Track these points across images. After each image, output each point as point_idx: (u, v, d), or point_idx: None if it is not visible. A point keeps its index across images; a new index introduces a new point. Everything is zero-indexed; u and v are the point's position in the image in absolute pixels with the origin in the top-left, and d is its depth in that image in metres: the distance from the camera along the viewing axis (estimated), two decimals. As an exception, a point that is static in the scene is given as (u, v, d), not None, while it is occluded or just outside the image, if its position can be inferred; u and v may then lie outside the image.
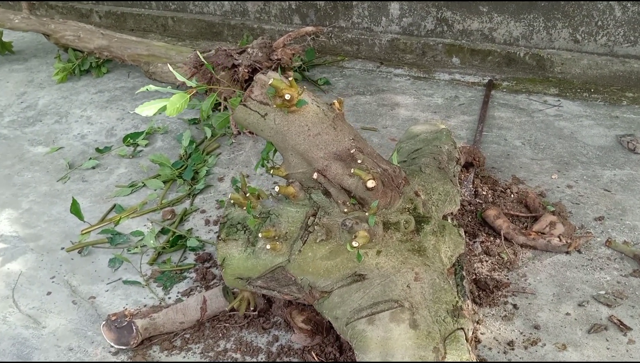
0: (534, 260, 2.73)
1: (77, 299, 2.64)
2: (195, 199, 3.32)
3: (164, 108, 2.04)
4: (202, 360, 2.29)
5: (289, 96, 1.87)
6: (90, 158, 3.77)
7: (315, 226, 1.98)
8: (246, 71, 3.95)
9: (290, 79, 1.91)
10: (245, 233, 2.03)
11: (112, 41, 4.73)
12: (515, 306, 2.49)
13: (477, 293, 2.52)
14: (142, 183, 3.47)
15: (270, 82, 1.88)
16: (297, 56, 4.37)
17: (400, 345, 1.71)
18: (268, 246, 1.92)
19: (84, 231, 3.07)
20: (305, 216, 2.02)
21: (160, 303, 2.58)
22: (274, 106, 1.90)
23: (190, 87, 2.04)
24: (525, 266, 2.70)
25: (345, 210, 1.96)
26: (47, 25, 4.87)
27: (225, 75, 4.05)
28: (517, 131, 3.85)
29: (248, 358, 2.29)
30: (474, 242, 2.83)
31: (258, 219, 2.02)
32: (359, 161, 1.92)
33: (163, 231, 3.05)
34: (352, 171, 1.90)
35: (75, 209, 3.00)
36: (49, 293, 2.68)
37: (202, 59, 2.43)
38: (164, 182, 3.44)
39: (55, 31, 4.86)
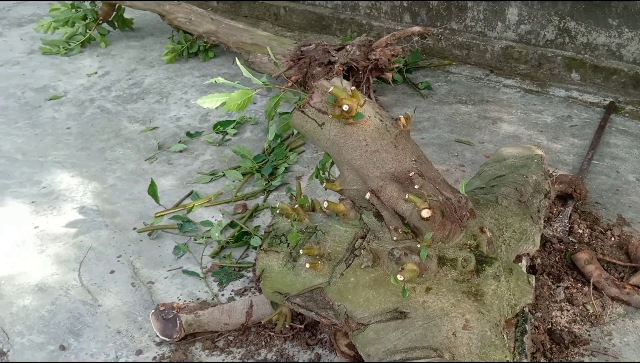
0: (624, 318, 2.39)
1: (137, 282, 2.66)
2: (269, 196, 3.25)
3: (225, 103, 1.97)
4: (240, 368, 2.21)
5: (347, 107, 1.72)
6: (180, 141, 3.83)
7: (362, 250, 1.82)
8: (341, 68, 3.82)
9: (352, 88, 1.76)
10: (288, 246, 1.92)
11: (220, 27, 4.78)
12: (591, 367, 2.18)
13: (548, 346, 2.24)
14: (222, 172, 3.46)
15: (330, 90, 1.74)
16: (399, 57, 4.17)
17: (430, 401, 1.52)
18: (307, 265, 1.79)
19: (157, 214, 3.10)
20: (353, 238, 1.87)
21: (212, 299, 2.54)
22: (331, 116, 1.75)
23: (280, 81, 1.94)
24: (613, 324, 2.37)
25: (395, 238, 1.78)
26: (162, 6, 5.02)
27: (320, 71, 3.94)
28: (633, 163, 3.42)
29: (285, 374, 2.19)
30: (557, 287, 2.52)
31: (302, 234, 1.89)
32: (417, 186, 1.73)
33: (231, 225, 3.01)
34: (407, 196, 1.72)
35: (152, 191, 3.05)
36: (112, 272, 2.72)
37: (272, 55, 2.32)
38: (243, 174, 3.41)
39: (169, 12, 5.00)
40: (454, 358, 1.60)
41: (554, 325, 2.34)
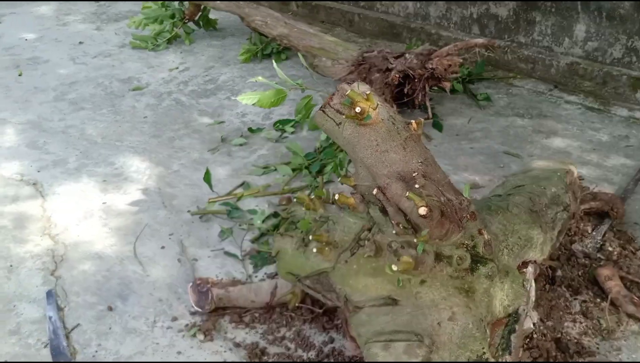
0: (637, 335, 2.41)
1: (183, 258, 2.95)
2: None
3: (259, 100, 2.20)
4: (260, 341, 2.43)
5: (360, 109, 1.90)
6: (242, 136, 4.12)
7: (367, 241, 1.99)
8: (397, 76, 3.98)
9: (368, 92, 1.94)
10: (302, 232, 2.12)
11: (292, 31, 5.04)
12: (592, 379, 2.24)
13: (553, 353, 2.31)
14: (274, 167, 3.70)
15: (347, 93, 1.92)
16: (458, 68, 4.26)
17: (404, 379, 1.67)
18: (314, 250, 1.98)
19: (210, 200, 3.39)
20: (360, 229, 2.04)
21: (246, 279, 2.78)
22: (345, 116, 1.94)
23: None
24: (625, 340, 2.40)
25: (395, 231, 1.94)
26: (242, 9, 5.35)
27: (379, 77, 4.12)
28: (683, 187, 3.35)
29: (300, 351, 2.39)
30: (574, 299, 2.57)
31: (315, 222, 2.09)
32: (417, 186, 1.88)
33: (274, 215, 3.24)
34: (407, 194, 1.87)
35: (207, 179, 3.35)
36: (162, 247, 3.03)
37: (304, 64, 2.52)
38: (293, 170, 3.64)
39: (248, 15, 5.32)
40: (433, 344, 1.75)
41: (564, 335, 2.40)
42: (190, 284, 2.62)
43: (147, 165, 3.82)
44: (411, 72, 4.01)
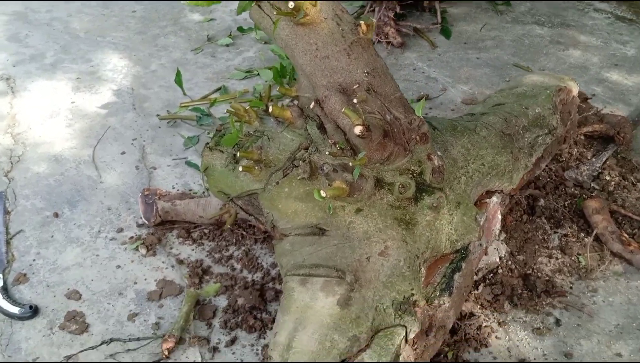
0: (619, 277, 2.16)
1: (141, 166, 2.77)
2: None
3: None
4: (205, 259, 2.28)
5: (293, 5, 1.60)
6: (229, 35, 3.82)
7: (301, 162, 1.75)
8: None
9: (309, -16, 1.62)
10: (234, 147, 1.88)
11: None
12: (558, 322, 2.02)
13: (518, 291, 2.09)
14: (257, 71, 3.42)
15: (282, -15, 1.62)
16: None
17: (317, 319, 1.48)
18: (240, 168, 1.75)
19: (182, 105, 3.16)
20: (297, 148, 1.80)
21: (203, 192, 2.60)
22: (275, 12, 1.64)
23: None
24: (604, 281, 2.16)
25: (328, 152, 1.68)
26: None
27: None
28: None
29: (245, 273, 2.23)
30: (554, 232, 2.31)
31: (248, 137, 1.84)
32: (356, 101, 1.61)
33: (246, 123, 3.00)
34: (342, 109, 1.61)
35: (178, 80, 3.10)
36: (123, 153, 2.85)
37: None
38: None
39: None
40: (356, 282, 1.54)
41: (535, 271, 2.17)
42: (140, 193, 2.45)
43: (125, 63, 3.58)
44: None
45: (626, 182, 2.52)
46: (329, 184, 1.63)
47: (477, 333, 1.96)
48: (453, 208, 1.72)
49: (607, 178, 2.53)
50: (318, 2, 1.64)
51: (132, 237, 2.38)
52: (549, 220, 2.35)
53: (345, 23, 1.71)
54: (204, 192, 2.60)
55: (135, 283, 2.20)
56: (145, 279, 2.22)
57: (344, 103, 1.65)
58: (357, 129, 1.58)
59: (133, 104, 3.21)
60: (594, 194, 2.44)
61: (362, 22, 1.72)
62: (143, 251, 2.31)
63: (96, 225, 2.45)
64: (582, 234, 2.30)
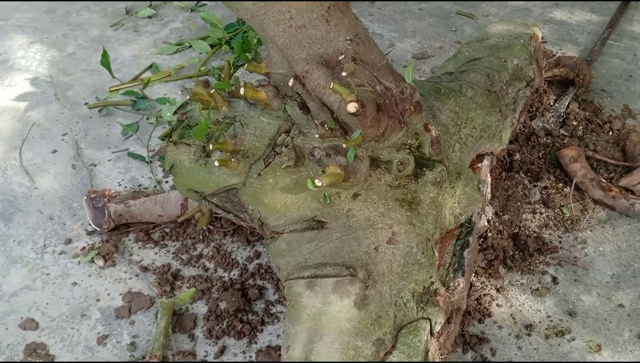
0: (604, 224, 2.13)
1: (78, 164, 2.47)
2: (237, 71, 2.94)
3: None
4: (173, 262, 2.05)
5: (260, -30, 1.37)
6: (150, 5, 3.47)
7: (284, 148, 1.55)
8: None
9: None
10: (204, 139, 1.65)
11: None
12: (555, 279, 1.96)
13: (511, 253, 2.01)
14: (189, 43, 3.13)
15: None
16: None
17: (334, 326, 1.32)
18: (216, 163, 1.53)
19: (112, 89, 2.85)
20: (276, 132, 1.59)
21: (155, 186, 2.34)
22: (240, -19, 1.41)
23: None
24: (590, 230, 2.11)
25: (317, 135, 1.49)
26: None
27: None
28: (654, 45, 2.97)
29: (220, 272, 2.02)
30: (534, 186, 2.24)
31: (216, 125, 1.62)
32: (344, 74, 1.42)
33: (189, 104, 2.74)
34: (331, 85, 1.41)
35: (105, 62, 2.76)
36: (54, 151, 2.53)
37: None
38: (211, 46, 3.08)
39: None
40: (369, 277, 1.38)
41: (522, 229, 2.10)
42: (85, 197, 2.17)
43: (37, 48, 3.18)
44: None
45: (593, 125, 2.48)
46: (322, 171, 1.45)
47: (479, 304, 1.87)
48: (454, 180, 1.59)
49: (574, 123, 2.48)
50: (287, -37, 1.42)
51: (84, 248, 2.11)
52: (527, 174, 2.28)
53: (317, -15, 1.50)
54: (155, 186, 2.34)
55: (98, 300, 1.95)
56: (109, 294, 1.97)
57: (330, 77, 1.46)
58: (351, 106, 1.39)
59: (55, 94, 2.86)
60: (565, 141, 2.39)
61: (336, -18, 1.51)
62: (100, 262, 2.05)
63: (40, 239, 2.15)
64: (561, 184, 2.25)
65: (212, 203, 1.70)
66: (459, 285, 1.49)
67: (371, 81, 1.48)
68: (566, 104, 2.56)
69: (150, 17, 3.40)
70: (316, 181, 1.41)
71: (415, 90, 1.55)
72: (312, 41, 1.47)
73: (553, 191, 2.22)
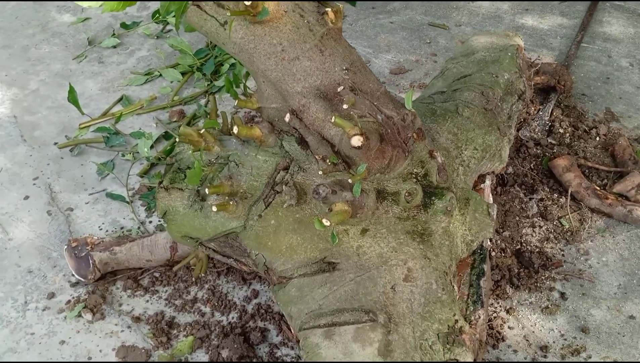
0: (604, 233, 2.10)
1: (54, 209, 2.33)
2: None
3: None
4: (166, 310, 1.94)
5: (249, 2, 1.29)
6: (113, 35, 3.34)
7: (284, 186, 1.47)
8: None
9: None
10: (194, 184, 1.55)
11: None
12: (563, 295, 1.92)
13: (516, 271, 1.96)
14: (159, 72, 3.02)
15: (228, -23, 1.30)
16: None
17: (358, 377, 1.24)
18: (215, 209, 1.44)
19: (82, 126, 2.72)
20: (274, 170, 1.51)
21: (138, 228, 2.23)
22: (229, 12, 1.33)
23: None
24: (591, 240, 2.08)
25: (321, 172, 1.42)
26: None
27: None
28: (627, 46, 2.99)
29: (217, 316, 1.92)
30: (530, 199, 2.21)
31: (210, 166, 1.52)
32: (345, 106, 1.35)
33: (166, 136, 2.63)
34: (332, 119, 1.34)
35: (72, 99, 2.62)
36: (26, 198, 2.38)
37: None
38: (182, 74, 2.97)
39: None
40: (390, 320, 1.31)
41: (524, 245, 2.05)
42: (65, 246, 2.04)
43: (-4, 87, 3.03)
44: None
45: (579, 131, 2.46)
46: (328, 209, 1.37)
47: (491, 328, 1.81)
48: (463, 206, 1.53)
49: (560, 130, 2.46)
50: (277, -7, 1.34)
51: (69, 301, 1.98)
52: (521, 187, 2.24)
53: (308, 13, 1.42)
54: (139, 228, 2.22)
55: (90, 358, 1.83)
56: (101, 350, 1.85)
57: (328, 110, 1.38)
58: (356, 140, 1.32)
59: (21, 135, 2.71)
60: (554, 150, 2.36)
61: (328, 9, 1.44)
62: (88, 316, 1.92)
63: (20, 295, 2.01)
64: (556, 195, 2.21)
65: (210, 248, 1.60)
66: (479, 317, 1.43)
67: (372, 110, 1.41)
68: (549, 111, 2.54)
69: (114, 46, 3.28)
70: (324, 220, 1.33)
71: (416, 116, 1.48)
72: (307, 73, 1.40)
73: (549, 203, 2.18)
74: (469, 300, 1.45)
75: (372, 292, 1.34)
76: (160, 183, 1.58)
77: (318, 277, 1.39)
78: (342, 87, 1.38)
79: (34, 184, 2.45)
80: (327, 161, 1.42)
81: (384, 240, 1.42)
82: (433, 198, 1.47)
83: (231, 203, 1.46)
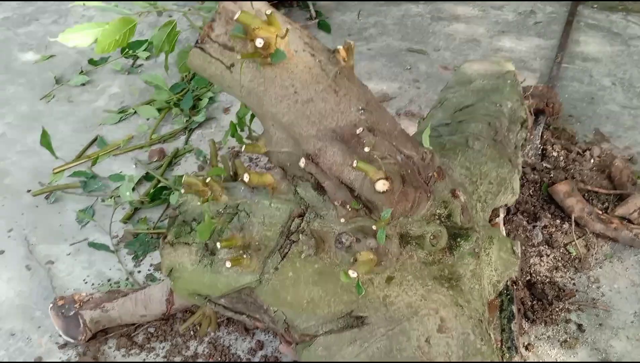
0: (612, 259, 2.06)
1: (33, 263, 2.17)
2: (192, 134, 2.73)
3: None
4: (165, 367, 1.80)
5: (262, 42, 1.20)
6: (82, 72, 3.20)
7: (301, 234, 1.37)
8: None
9: (269, 12, 1.23)
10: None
11: None
12: (580, 327, 1.86)
13: (529, 304, 1.90)
14: (134, 109, 2.88)
15: (236, 16, 1.21)
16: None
17: None
18: (228, 264, 1.33)
19: (56, 170, 2.56)
20: (288, 218, 1.41)
21: (127, 279, 2.08)
22: (239, 56, 1.23)
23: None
24: (600, 267, 2.04)
25: (342, 220, 1.33)
26: None
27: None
28: (607, 64, 3.01)
29: (221, 371, 1.79)
30: (534, 227, 2.16)
31: (218, 217, 1.42)
32: (367, 149, 1.26)
33: (147, 178, 2.50)
34: (354, 163, 1.25)
35: (45, 142, 2.48)
36: (1, 252, 2.22)
37: None
38: (159, 110, 2.85)
39: None
40: (428, 378, 1.22)
41: (534, 275, 2.00)
42: (51, 306, 1.88)
43: (-42, 133, 2.84)
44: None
45: (572, 154, 2.44)
46: (353, 259, 1.27)
47: (512, 368, 1.74)
48: (487, 246, 1.46)
49: (554, 153, 2.44)
50: (288, 32, 1.26)
51: (58, 366, 1.82)
52: (524, 215, 2.19)
53: (319, 52, 1.34)
54: (127, 279, 2.08)
55: None
56: (98, 420, 1.69)
57: (347, 153, 1.30)
58: (381, 185, 1.24)
59: (-10, 183, 2.54)
60: (551, 175, 2.33)
61: (339, 47, 1.36)
62: (80, 381, 1.77)
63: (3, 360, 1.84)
64: (559, 221, 2.17)
65: (220, 304, 1.48)
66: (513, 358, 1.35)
67: (391, 151, 1.33)
68: (540, 134, 2.52)
69: (83, 84, 3.14)
70: (350, 272, 1.24)
71: (435, 154, 1.41)
72: (321, 115, 1.31)
73: (553, 229, 2.14)
74: (503, 346, 1.37)
75: (407, 348, 1.25)
76: (165, 237, 1.46)
77: (346, 334, 1.29)
78: (360, 128, 1.29)
79: (9, 236, 2.28)
80: (347, 206, 1.33)
81: (411, 288, 1.33)
82: (458, 239, 1.39)
83: (245, 256, 1.35)
